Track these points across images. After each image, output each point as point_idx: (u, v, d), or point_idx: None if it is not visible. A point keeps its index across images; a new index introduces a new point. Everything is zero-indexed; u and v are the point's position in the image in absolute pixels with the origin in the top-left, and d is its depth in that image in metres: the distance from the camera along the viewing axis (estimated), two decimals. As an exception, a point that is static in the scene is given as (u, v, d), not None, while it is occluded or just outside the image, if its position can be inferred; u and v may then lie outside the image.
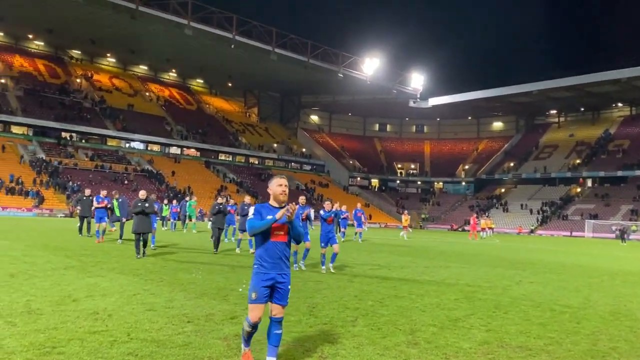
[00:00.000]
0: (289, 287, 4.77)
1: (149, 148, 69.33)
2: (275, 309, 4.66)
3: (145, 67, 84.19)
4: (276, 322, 4.66)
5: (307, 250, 12.34)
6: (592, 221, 59.75)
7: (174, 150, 71.49)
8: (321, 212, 12.24)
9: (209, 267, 11.75)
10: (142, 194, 13.48)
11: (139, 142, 68.62)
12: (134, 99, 75.43)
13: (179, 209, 28.99)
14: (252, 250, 15.31)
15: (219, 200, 16.18)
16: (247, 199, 17.07)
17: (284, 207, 4.63)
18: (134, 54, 75.48)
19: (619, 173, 69.04)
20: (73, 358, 4.58)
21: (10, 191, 47.97)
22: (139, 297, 7.57)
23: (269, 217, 4.55)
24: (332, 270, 11.82)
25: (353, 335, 5.98)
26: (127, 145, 67.93)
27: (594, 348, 5.98)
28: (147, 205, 13.15)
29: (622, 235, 44.88)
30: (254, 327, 4.59)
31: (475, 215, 48.33)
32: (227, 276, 10.48)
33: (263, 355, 4.81)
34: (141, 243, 13.14)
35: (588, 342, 6.24)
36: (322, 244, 11.93)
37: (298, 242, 4.91)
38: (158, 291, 8.23)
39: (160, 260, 13.07)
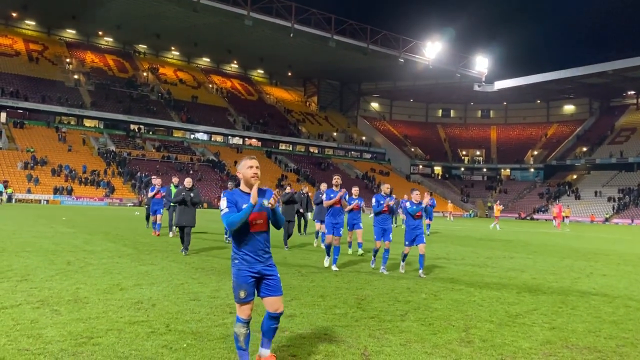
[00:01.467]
0: (279, 275, 4.35)
1: (212, 139, 71.02)
2: (272, 303, 4.25)
3: (208, 59, 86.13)
4: (273, 317, 4.26)
5: (388, 251, 10.14)
6: (675, 209, 55.62)
7: (236, 140, 72.85)
8: (407, 204, 9.78)
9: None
10: (188, 181, 12.01)
11: (202, 133, 70.43)
12: (198, 91, 77.38)
13: None
14: (315, 243, 14.80)
15: (288, 189, 13.91)
16: (323, 186, 13.84)
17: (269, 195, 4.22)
18: (196, 47, 77.30)
19: None
20: (107, 350, 4.49)
21: (84, 182, 50.51)
22: (185, 286, 7.52)
23: (245, 206, 4.03)
24: (423, 276, 9.55)
25: (401, 330, 5.60)
26: (192, 136, 69.89)
27: (676, 352, 5.30)
28: (192, 195, 11.64)
29: None
30: (247, 324, 4.19)
31: (560, 203, 46.28)
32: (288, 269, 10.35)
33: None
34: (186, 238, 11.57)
35: (668, 344, 5.54)
36: (407, 242, 9.78)
37: (278, 227, 4.39)
38: (206, 280, 8.17)
39: (215, 249, 13.14)
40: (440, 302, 7.21)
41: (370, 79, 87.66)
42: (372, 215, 10.66)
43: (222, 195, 4.22)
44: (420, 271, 9.66)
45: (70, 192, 48.03)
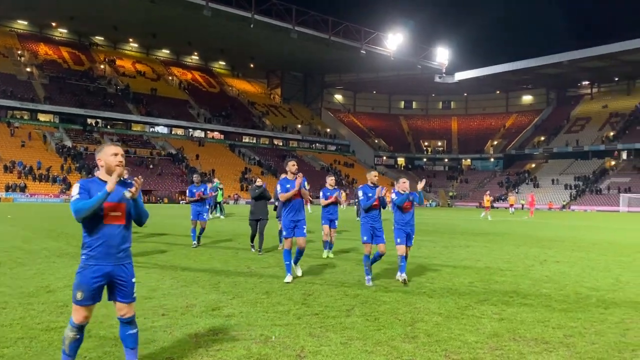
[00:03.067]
0: (134, 280, 3.93)
1: (173, 132, 69.57)
2: (122, 309, 3.82)
3: (168, 51, 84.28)
4: (126, 322, 3.83)
5: (380, 256, 8.02)
6: (628, 195, 57.50)
7: (198, 133, 71.59)
8: (393, 195, 8.07)
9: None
10: (260, 182, 11.64)
11: (163, 127, 68.90)
12: (157, 84, 75.60)
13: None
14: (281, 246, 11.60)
15: (259, 182, 11.72)
16: (331, 180, 11.15)
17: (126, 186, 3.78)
18: (155, 38, 75.45)
19: (656, 144, 66.21)
20: (11, 362, 4.05)
21: (38, 178, 48.68)
22: (121, 287, 7.06)
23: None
24: (407, 285, 7.70)
25: (344, 327, 5.32)
26: (152, 129, 68.27)
27: (622, 340, 5.18)
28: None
29: (660, 209, 42.90)
30: (80, 329, 3.69)
31: (532, 193, 47.16)
32: (227, 261, 9.95)
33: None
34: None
35: (616, 333, 5.43)
36: (399, 240, 7.98)
37: (140, 224, 3.99)
38: (146, 279, 7.71)
39: (167, 245, 12.64)
40: (389, 295, 6.97)
41: (333, 71, 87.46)
42: (360, 213, 8.53)
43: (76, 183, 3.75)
44: (400, 273, 7.89)
45: (23, 189, 46.20)
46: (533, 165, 77.59)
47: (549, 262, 10.88)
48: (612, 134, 72.75)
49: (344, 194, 40.37)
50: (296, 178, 7.98)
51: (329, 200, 10.87)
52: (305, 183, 8.62)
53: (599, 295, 7.39)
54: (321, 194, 10.96)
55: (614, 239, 17.50)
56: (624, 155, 70.68)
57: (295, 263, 8.26)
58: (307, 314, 5.83)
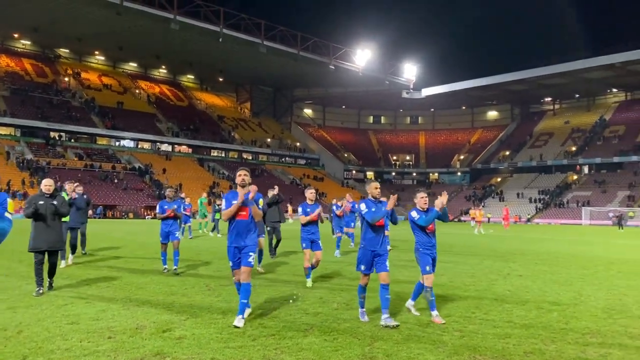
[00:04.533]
0: None
1: (139, 146, 68.35)
2: None
3: (135, 64, 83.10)
4: None
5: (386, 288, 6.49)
6: (589, 208, 58.98)
7: (166, 147, 70.52)
8: (414, 213, 7.00)
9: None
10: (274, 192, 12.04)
11: (129, 140, 67.63)
12: (124, 97, 74.35)
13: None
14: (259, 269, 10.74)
15: (276, 190, 12.31)
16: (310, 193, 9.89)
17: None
18: (122, 51, 74.27)
19: (615, 159, 68.26)
20: None
21: (-4, 193, 46.93)
22: (68, 308, 6.70)
23: None
24: (438, 319, 6.51)
25: (300, 348, 5.12)
26: (118, 143, 66.92)
27: (582, 356, 5.14)
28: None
29: (620, 221, 44.10)
30: None
31: (507, 207, 47.85)
32: (185, 279, 9.62)
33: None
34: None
35: (576, 349, 5.39)
36: (427, 268, 6.83)
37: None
38: (96, 299, 7.35)
39: (124, 261, 12.20)
40: (350, 313, 6.80)
41: (303, 85, 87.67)
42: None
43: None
44: (434, 313, 6.54)
45: (-21, 204, 44.39)
46: (499, 179, 79.00)
47: (512, 276, 10.90)
48: (573, 148, 74.76)
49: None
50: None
51: (310, 217, 9.15)
52: (260, 199, 9.01)
53: (560, 309, 7.39)
54: (300, 209, 9.32)
55: (576, 252, 17.77)
56: (586, 170, 72.64)
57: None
58: (263, 334, 5.61)
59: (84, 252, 13.37)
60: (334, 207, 17.18)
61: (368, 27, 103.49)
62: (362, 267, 6.48)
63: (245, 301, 6.15)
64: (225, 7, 60.13)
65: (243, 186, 6.44)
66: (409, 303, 7.05)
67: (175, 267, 10.34)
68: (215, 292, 8.23)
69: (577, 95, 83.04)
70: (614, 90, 79.90)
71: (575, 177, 71.69)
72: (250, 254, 6.34)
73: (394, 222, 6.94)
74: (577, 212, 60.41)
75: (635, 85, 74.65)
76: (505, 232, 33.69)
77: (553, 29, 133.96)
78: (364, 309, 6.59)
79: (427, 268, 6.72)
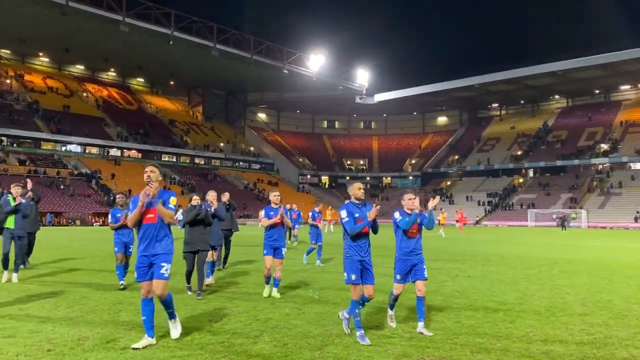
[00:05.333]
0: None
1: (87, 151, 66.18)
2: None
3: (82, 67, 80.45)
4: None
5: (366, 300, 6.11)
6: (534, 210, 61.22)
7: (114, 152, 68.57)
8: (397, 214, 6.59)
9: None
10: (196, 200, 8.94)
11: (76, 145, 65.37)
12: (70, 100, 71.81)
13: None
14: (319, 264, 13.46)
15: (194, 200, 8.79)
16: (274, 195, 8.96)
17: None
18: (68, 53, 71.77)
19: (558, 163, 71.22)
20: None
21: None
22: (5, 321, 6.36)
23: None
24: (426, 333, 6.09)
25: (249, 355, 5.04)
26: (64, 148, 64.52)
27: (525, 353, 5.29)
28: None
29: (563, 223, 45.98)
30: None
31: (461, 210, 48.69)
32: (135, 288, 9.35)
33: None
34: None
35: (520, 346, 5.55)
36: (398, 277, 6.50)
37: None
38: (37, 309, 7.02)
39: (70, 270, 11.72)
40: (302, 317, 6.78)
41: (256, 90, 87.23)
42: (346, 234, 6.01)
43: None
44: (421, 324, 6.19)
45: None
46: (448, 183, 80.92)
47: (460, 277, 11.15)
48: (519, 153, 77.51)
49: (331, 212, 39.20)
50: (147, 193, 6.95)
51: (272, 221, 8.24)
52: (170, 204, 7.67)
53: (506, 308, 7.60)
54: (262, 213, 8.44)
55: (521, 253, 18.39)
56: (531, 173, 75.45)
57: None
58: (212, 342, 5.50)
59: (23, 265, 11.56)
60: (313, 214, 15.52)
61: (322, 33, 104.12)
62: (353, 277, 5.80)
63: (171, 310, 5.61)
64: (177, 9, 59.19)
65: (149, 186, 5.58)
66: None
67: (124, 283, 9.28)
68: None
69: (522, 102, 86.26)
70: (557, 96, 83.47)
71: (520, 180, 74.29)
72: (163, 264, 5.40)
73: (375, 232, 6.13)
74: (522, 214, 62.58)
75: (576, 92, 78.36)
76: (459, 235, 34.50)
77: (500, 37, 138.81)
78: (362, 331, 5.68)
79: (398, 277, 6.34)
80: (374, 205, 6.06)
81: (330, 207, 41.47)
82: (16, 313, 6.86)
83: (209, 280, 9.73)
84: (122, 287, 9.11)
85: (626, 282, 10.63)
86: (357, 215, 5.95)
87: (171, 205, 5.62)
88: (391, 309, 6.56)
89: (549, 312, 7.33)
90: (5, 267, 9.94)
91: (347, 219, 5.95)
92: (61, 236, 27.51)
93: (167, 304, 5.57)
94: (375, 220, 6.03)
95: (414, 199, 6.42)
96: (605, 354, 5.26)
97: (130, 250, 9.62)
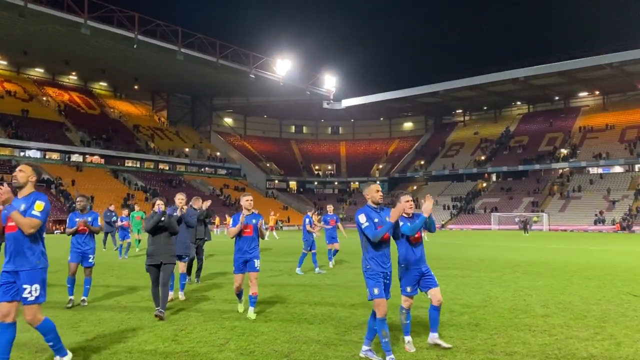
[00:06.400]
0: None
1: (47, 157, 64.32)
2: None
3: (42, 70, 78.22)
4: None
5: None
6: (497, 214, 62.54)
7: (76, 157, 66.84)
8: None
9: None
10: (158, 206, 7.77)
11: (35, 150, 63.46)
12: (29, 104, 69.71)
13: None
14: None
15: (158, 205, 7.67)
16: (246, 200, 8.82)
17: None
18: (27, 56, 69.66)
19: (520, 167, 72.98)
20: None
21: None
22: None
23: None
24: (444, 345, 5.80)
25: (215, 364, 4.96)
26: (22, 154, 62.52)
27: (489, 356, 5.36)
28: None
29: (525, 226, 47.08)
30: None
31: None
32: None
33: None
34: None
35: (484, 349, 5.63)
36: (408, 288, 6.07)
37: None
38: None
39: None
40: (268, 325, 6.71)
41: (222, 94, 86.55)
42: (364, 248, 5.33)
43: None
44: (435, 335, 5.87)
45: None
46: (415, 187, 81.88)
47: (427, 281, 11.24)
48: (482, 158, 79.13)
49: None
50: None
51: (237, 229, 7.21)
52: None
53: (471, 311, 7.70)
54: (230, 220, 7.43)
55: (485, 256, 18.73)
56: (494, 178, 77.12)
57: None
58: (176, 351, 5.39)
59: None
60: (307, 220, 14.29)
61: (289, 38, 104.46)
62: (376, 292, 5.23)
63: (53, 344, 4.76)
64: (141, 12, 58.25)
65: (20, 187, 4.94)
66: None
67: (85, 296, 8.36)
68: (127, 308, 7.83)
69: (486, 108, 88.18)
70: (518, 102, 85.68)
71: (484, 184, 75.84)
72: (26, 286, 4.54)
73: (395, 238, 5.67)
74: (486, 218, 63.84)
75: (537, 98, 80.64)
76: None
77: (465, 44, 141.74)
78: (392, 355, 5.17)
79: (409, 289, 5.79)
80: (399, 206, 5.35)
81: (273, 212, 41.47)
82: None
83: (181, 295, 8.91)
84: (70, 303, 8.04)
85: (585, 283, 10.93)
86: (376, 220, 5.30)
87: (35, 213, 4.70)
88: (407, 333, 5.84)
89: (512, 314, 7.47)
90: None
91: (366, 224, 5.26)
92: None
93: (44, 332, 4.69)
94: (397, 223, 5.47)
95: (410, 201, 5.81)
96: (566, 354, 5.38)
97: (90, 260, 8.46)
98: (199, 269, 11.07)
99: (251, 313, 7.15)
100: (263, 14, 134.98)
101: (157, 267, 7.33)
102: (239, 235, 7.25)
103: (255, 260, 7.24)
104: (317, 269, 13.18)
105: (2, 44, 64.32)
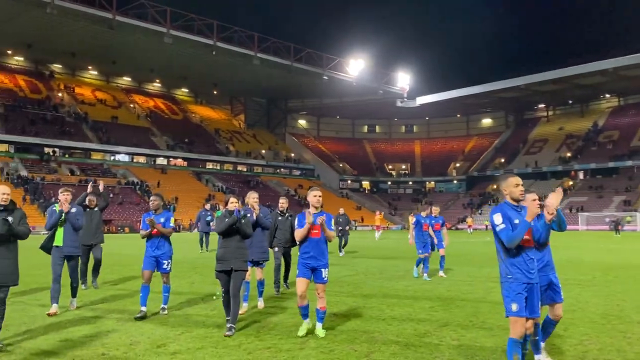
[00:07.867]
0: None
1: (134, 160, 68.28)
2: None
3: (129, 79, 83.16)
4: None
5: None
6: (586, 214, 59.10)
7: (161, 161, 70.48)
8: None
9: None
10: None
11: (124, 155, 67.57)
12: (118, 111, 74.37)
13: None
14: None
15: (232, 204, 6.74)
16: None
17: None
18: (115, 65, 74.34)
19: (610, 164, 68.58)
20: None
21: (-10, 210, 46.65)
22: (60, 325, 6.60)
23: None
24: None
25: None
26: (112, 158, 66.80)
27: (580, 363, 5.08)
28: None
29: (616, 226, 44.18)
30: None
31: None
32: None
33: None
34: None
35: (575, 354, 5.35)
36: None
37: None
38: (90, 316, 7.24)
39: (116, 278, 12.07)
40: (348, 324, 6.74)
41: (296, 96, 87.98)
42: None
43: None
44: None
45: (-26, 222, 44.06)
46: (495, 187, 79.04)
47: (509, 283, 10.84)
48: (568, 154, 75.07)
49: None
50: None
51: (303, 232, 6.19)
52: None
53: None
54: (296, 221, 6.45)
55: (573, 257, 17.75)
56: (581, 175, 72.91)
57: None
58: (259, 347, 5.54)
59: (93, 284, 10.30)
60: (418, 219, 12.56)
61: (361, 37, 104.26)
62: (514, 308, 4.31)
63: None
64: (219, 20, 60.51)
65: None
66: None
67: (164, 305, 7.51)
68: (211, 305, 8.15)
69: (571, 102, 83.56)
70: (607, 95, 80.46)
71: (570, 182, 71.90)
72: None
73: (562, 229, 5.04)
74: (573, 218, 60.43)
75: (628, 91, 75.22)
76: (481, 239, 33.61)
77: (546, 36, 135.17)
78: None
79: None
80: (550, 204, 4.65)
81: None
82: (70, 318, 7.10)
83: (260, 303, 8.09)
84: (140, 314, 7.06)
85: (688, 288, 10.09)
86: (516, 221, 4.42)
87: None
88: (538, 352, 5.04)
89: (604, 320, 7.04)
90: (54, 298, 7.43)
91: (502, 225, 4.41)
92: (112, 244, 28.37)
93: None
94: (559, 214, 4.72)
95: (522, 185, 4.81)
96: (668, 365, 5.00)
97: (165, 266, 7.49)
98: (286, 272, 10.13)
99: (319, 329, 6.16)
100: (335, 15, 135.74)
101: (228, 273, 6.53)
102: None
103: (323, 270, 6.15)
104: (425, 275, 11.69)
105: (94, 55, 69.06)
